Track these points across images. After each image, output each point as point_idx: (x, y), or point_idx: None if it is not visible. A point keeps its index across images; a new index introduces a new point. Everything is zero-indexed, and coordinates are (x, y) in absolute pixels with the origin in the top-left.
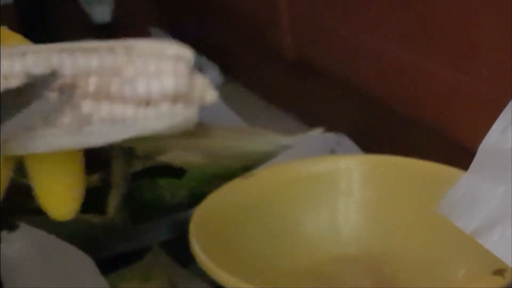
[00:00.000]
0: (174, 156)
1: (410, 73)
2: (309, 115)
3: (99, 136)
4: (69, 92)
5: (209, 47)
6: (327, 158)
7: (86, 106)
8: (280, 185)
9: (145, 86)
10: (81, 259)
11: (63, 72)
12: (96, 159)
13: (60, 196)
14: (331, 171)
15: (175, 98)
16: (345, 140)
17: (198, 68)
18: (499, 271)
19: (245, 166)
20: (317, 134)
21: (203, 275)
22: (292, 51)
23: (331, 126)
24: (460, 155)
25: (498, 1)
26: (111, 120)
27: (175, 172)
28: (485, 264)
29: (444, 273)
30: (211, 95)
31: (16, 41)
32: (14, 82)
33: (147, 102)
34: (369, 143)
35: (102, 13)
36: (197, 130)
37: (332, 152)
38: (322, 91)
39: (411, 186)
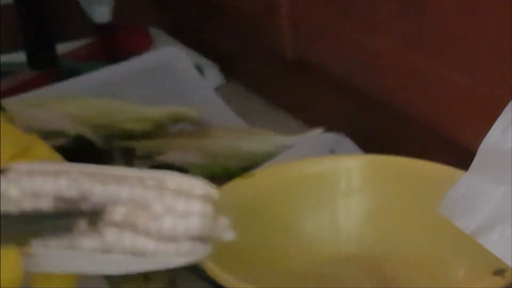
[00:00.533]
0: (174, 156)
1: (410, 73)
2: (309, 115)
3: (117, 265)
4: (94, 220)
5: (209, 47)
6: (327, 158)
7: (110, 235)
8: (280, 185)
9: (172, 225)
10: None
11: (91, 198)
12: (96, 159)
13: None
14: (331, 171)
15: (197, 238)
16: (345, 140)
17: (198, 68)
18: (499, 271)
19: (245, 166)
20: (317, 134)
21: (203, 275)
22: (292, 51)
23: (331, 126)
24: (460, 155)
25: (498, 2)
26: (132, 251)
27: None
28: (485, 264)
29: (444, 273)
30: (228, 235)
31: (46, 152)
32: (43, 202)
33: (171, 239)
34: (369, 143)
35: (102, 13)
36: (197, 130)
37: (332, 152)
38: (322, 91)
39: (411, 186)
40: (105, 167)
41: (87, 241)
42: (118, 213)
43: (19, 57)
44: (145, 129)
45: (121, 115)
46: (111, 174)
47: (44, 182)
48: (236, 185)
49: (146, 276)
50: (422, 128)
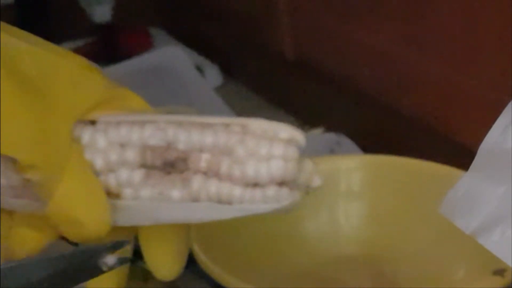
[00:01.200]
0: None
1: (410, 73)
2: (309, 115)
3: (206, 213)
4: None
5: (209, 47)
6: (327, 158)
7: (196, 183)
8: None
9: (255, 169)
10: None
11: (177, 146)
12: None
13: (165, 262)
14: (331, 171)
15: (282, 182)
16: (345, 140)
17: (198, 68)
18: (499, 271)
19: None
20: (317, 134)
21: (203, 275)
22: (292, 51)
23: (331, 126)
24: (460, 155)
25: (498, 2)
26: (218, 199)
27: None
28: (485, 264)
29: (444, 273)
30: (317, 181)
31: (137, 104)
32: (130, 152)
33: (255, 184)
34: (369, 143)
35: (102, 13)
36: None
37: (332, 152)
38: (322, 91)
39: (411, 186)
40: (193, 116)
41: (176, 191)
42: (203, 160)
43: None
44: None
45: None
46: (198, 122)
47: (130, 132)
48: None
49: (145, 276)
50: (422, 128)
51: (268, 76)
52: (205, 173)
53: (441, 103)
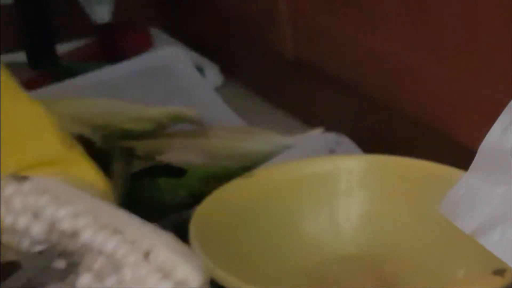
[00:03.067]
0: (174, 156)
1: (410, 73)
2: (309, 115)
3: None
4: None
5: (209, 47)
6: (327, 158)
7: (84, 280)
8: (280, 185)
9: None
10: None
11: (80, 238)
12: (96, 159)
13: None
14: (331, 171)
15: None
16: (345, 140)
17: (198, 68)
18: (499, 271)
19: (245, 166)
20: (317, 134)
21: None
22: (292, 51)
23: (331, 126)
24: (460, 155)
25: (498, 2)
26: None
27: (175, 172)
28: (485, 264)
29: (444, 273)
30: None
31: (83, 172)
32: (37, 226)
33: None
34: (369, 143)
35: (102, 13)
36: (197, 130)
37: (332, 152)
38: (322, 91)
39: (411, 186)
40: (116, 211)
41: (61, 283)
42: (98, 262)
43: (19, 57)
44: (145, 129)
45: (121, 115)
46: (111, 224)
47: (46, 206)
48: (236, 185)
49: None
50: (422, 128)
51: (268, 76)
52: (95, 276)
53: (441, 103)
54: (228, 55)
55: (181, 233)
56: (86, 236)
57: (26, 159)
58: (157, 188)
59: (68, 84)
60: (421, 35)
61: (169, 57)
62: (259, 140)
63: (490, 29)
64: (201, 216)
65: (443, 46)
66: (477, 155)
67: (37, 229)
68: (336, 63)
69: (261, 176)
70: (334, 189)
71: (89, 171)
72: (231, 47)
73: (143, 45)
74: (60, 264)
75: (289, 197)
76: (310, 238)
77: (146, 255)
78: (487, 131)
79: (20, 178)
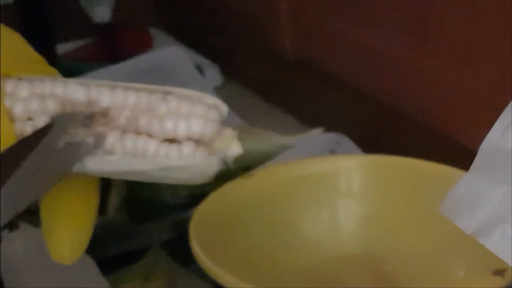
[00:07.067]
0: None
1: (411, 73)
2: (309, 115)
3: (120, 165)
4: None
5: (209, 47)
6: (327, 158)
7: (111, 138)
8: (280, 185)
9: (173, 124)
10: (82, 259)
11: (99, 102)
12: None
13: (64, 241)
14: (331, 171)
15: (199, 142)
16: (345, 140)
17: (198, 68)
18: (499, 271)
19: (245, 166)
20: (317, 134)
21: (203, 275)
22: (292, 51)
23: (331, 126)
24: (460, 155)
25: (499, 2)
26: (133, 152)
27: None
28: (485, 264)
29: (444, 273)
30: (235, 148)
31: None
32: (50, 103)
33: (172, 139)
34: (369, 143)
35: (102, 13)
36: None
37: (332, 152)
38: (322, 91)
39: (411, 186)
40: (120, 82)
41: (91, 142)
42: (123, 116)
43: None
44: None
45: None
46: (122, 85)
47: (53, 86)
48: (236, 185)
49: (146, 276)
50: (422, 128)
51: (268, 76)
52: (123, 130)
53: (442, 103)
54: (228, 55)
55: (181, 233)
56: (104, 98)
57: (13, 62)
58: (157, 188)
59: None
60: (421, 35)
61: (169, 57)
62: (259, 140)
63: (490, 29)
64: (201, 216)
65: (443, 46)
66: (477, 155)
67: (52, 105)
68: (336, 63)
69: (261, 176)
70: (334, 189)
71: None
72: (231, 47)
73: (143, 45)
74: (85, 137)
75: (289, 197)
76: (310, 238)
77: (170, 91)
78: (487, 131)
79: (15, 77)
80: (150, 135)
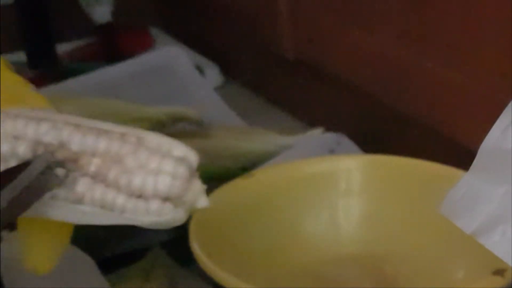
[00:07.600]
0: None
1: (411, 73)
2: (309, 115)
3: (89, 217)
4: (70, 168)
5: (209, 47)
6: (327, 158)
7: (82, 185)
8: (280, 185)
9: (141, 181)
10: (82, 259)
11: (70, 147)
12: None
13: (41, 256)
14: (331, 171)
15: (167, 198)
16: (345, 140)
17: (198, 68)
18: (499, 271)
19: (245, 166)
20: (317, 134)
21: (203, 275)
22: (292, 51)
23: (331, 126)
24: (460, 155)
25: (499, 2)
26: (101, 204)
27: None
28: (485, 264)
29: (444, 273)
30: (203, 202)
31: (38, 103)
32: (21, 145)
33: (140, 195)
34: (369, 143)
35: (102, 13)
36: (197, 130)
37: (332, 152)
38: (322, 91)
39: (411, 186)
40: (92, 121)
41: (61, 190)
42: (93, 164)
43: (19, 57)
44: (145, 129)
45: (121, 115)
46: (95, 127)
47: (25, 126)
48: (236, 185)
49: (146, 276)
50: (422, 128)
51: (268, 76)
52: (93, 178)
53: (441, 103)
54: (228, 55)
55: (181, 233)
56: (75, 143)
57: None
58: None
59: (68, 84)
60: (421, 35)
61: (169, 57)
62: (259, 140)
63: (490, 29)
64: (201, 216)
65: (443, 47)
66: (477, 155)
67: (23, 148)
68: (336, 63)
69: (261, 176)
70: (334, 189)
71: (44, 102)
72: (231, 47)
73: (143, 45)
74: (57, 171)
75: (289, 197)
76: (310, 238)
77: (140, 142)
78: (487, 131)
79: None
80: (118, 188)
